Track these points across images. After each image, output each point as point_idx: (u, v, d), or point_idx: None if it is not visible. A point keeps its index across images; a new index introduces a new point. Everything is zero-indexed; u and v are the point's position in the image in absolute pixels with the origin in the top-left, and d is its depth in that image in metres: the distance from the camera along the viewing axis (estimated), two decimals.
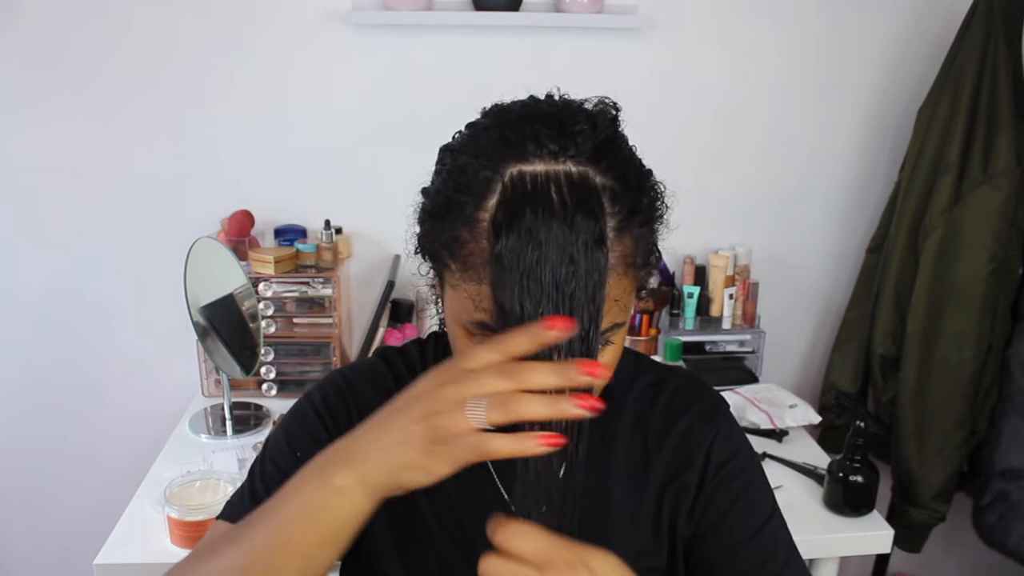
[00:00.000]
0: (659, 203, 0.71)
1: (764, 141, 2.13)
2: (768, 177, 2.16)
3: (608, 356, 0.71)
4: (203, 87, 1.96)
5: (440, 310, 0.79)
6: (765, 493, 0.85)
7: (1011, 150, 1.83)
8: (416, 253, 0.75)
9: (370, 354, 1.80)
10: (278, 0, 1.91)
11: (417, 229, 0.74)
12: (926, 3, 2.05)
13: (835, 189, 2.19)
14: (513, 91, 0.78)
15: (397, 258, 2.07)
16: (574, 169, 0.63)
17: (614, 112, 0.70)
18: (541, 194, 0.61)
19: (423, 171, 0.76)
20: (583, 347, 0.61)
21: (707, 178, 2.11)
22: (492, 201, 0.63)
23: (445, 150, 0.72)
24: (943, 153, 1.90)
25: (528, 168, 0.63)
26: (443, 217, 0.67)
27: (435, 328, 0.90)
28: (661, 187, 0.71)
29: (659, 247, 0.74)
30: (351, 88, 1.99)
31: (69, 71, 1.92)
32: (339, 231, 2.01)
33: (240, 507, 0.80)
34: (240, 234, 1.93)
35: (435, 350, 0.88)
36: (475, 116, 0.73)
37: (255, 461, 0.86)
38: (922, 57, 2.08)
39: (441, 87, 1.97)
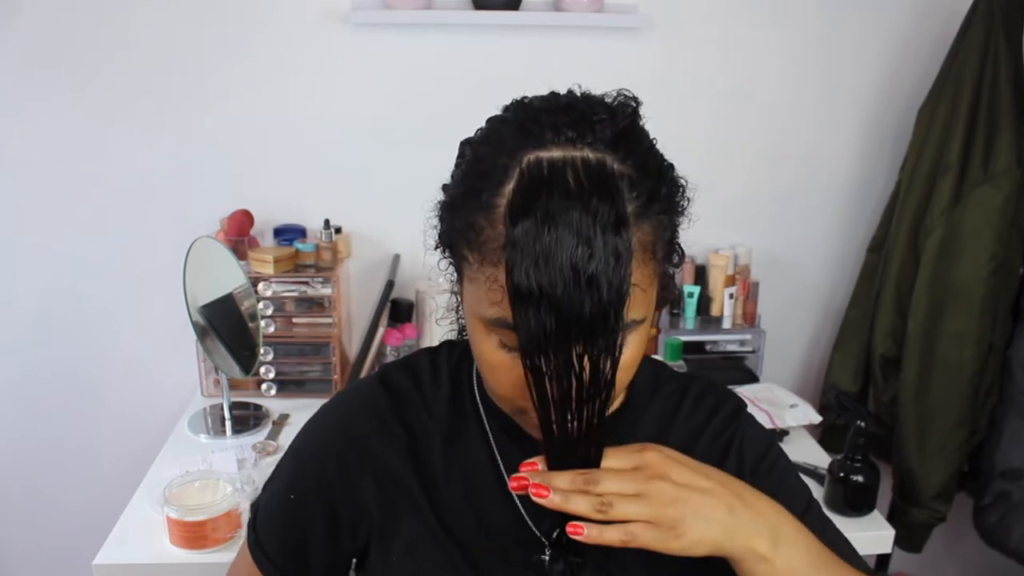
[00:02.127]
0: (680, 196, 0.72)
1: (764, 141, 2.13)
2: (768, 176, 2.15)
3: (626, 356, 0.68)
4: (202, 87, 1.95)
5: (460, 309, 0.78)
6: (800, 482, 0.85)
7: (1012, 150, 1.83)
8: (436, 248, 0.75)
9: (370, 354, 1.81)
10: (277, 0, 1.91)
11: (436, 224, 0.74)
12: (926, 3, 2.05)
13: (835, 189, 2.19)
14: (513, 91, 0.78)
15: (397, 257, 2.06)
16: (591, 156, 0.63)
17: (634, 105, 0.70)
18: (557, 178, 0.61)
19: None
20: (606, 333, 0.60)
21: (707, 178, 2.08)
22: (509, 187, 0.63)
23: (465, 143, 0.72)
24: (943, 153, 1.90)
25: (545, 154, 0.63)
26: (460, 206, 0.68)
27: (450, 336, 0.89)
28: (683, 181, 0.72)
29: (681, 247, 0.77)
30: (351, 88, 1.98)
31: (68, 71, 1.91)
32: (339, 231, 2.01)
33: (259, 525, 0.87)
34: (239, 234, 1.92)
35: (448, 359, 0.87)
36: (475, 116, 0.73)
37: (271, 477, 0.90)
38: (922, 57, 2.07)
39: (441, 87, 1.97)
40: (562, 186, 0.61)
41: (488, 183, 0.65)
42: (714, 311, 2.11)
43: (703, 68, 2.05)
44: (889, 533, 1.63)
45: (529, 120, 0.66)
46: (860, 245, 2.19)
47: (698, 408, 0.86)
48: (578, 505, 0.63)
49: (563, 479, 0.64)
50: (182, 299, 1.74)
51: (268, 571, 0.85)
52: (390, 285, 1.93)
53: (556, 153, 0.63)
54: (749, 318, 2.13)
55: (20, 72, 1.90)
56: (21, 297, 2.05)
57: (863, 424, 1.60)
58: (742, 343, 2.14)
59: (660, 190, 0.67)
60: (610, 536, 0.63)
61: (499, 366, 0.69)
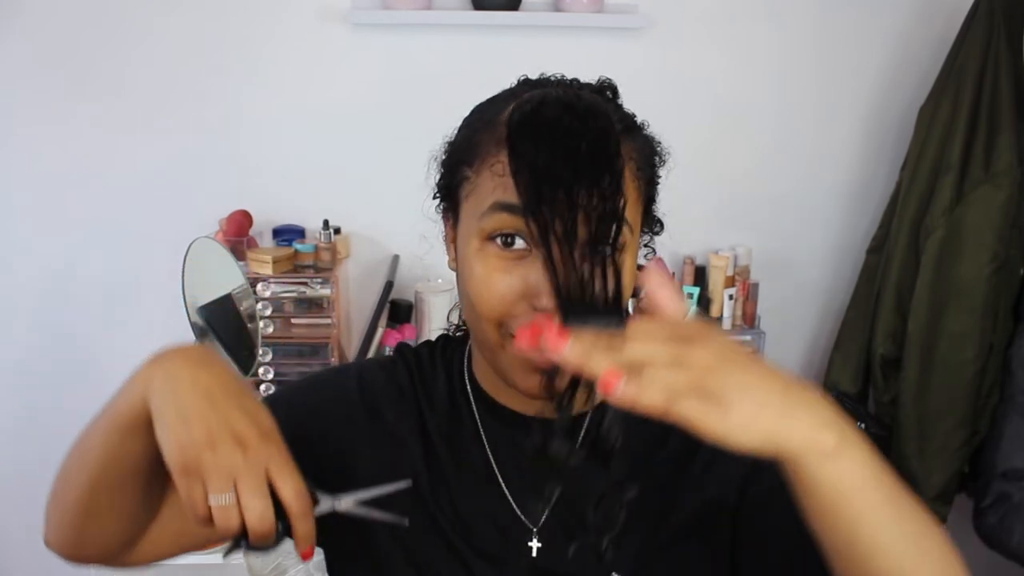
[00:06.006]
0: (659, 147, 0.76)
1: (764, 141, 2.12)
2: (768, 177, 2.15)
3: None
4: (202, 86, 1.95)
5: (453, 259, 0.78)
6: None
7: (1013, 149, 1.83)
8: (434, 198, 0.79)
9: (369, 355, 1.81)
10: (276, 0, 1.91)
11: (436, 174, 0.78)
12: (927, 3, 2.05)
13: (835, 189, 2.18)
14: None
15: (396, 258, 2.06)
16: (583, 93, 0.72)
17: (614, 86, 0.78)
18: (553, 95, 0.69)
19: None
20: (606, 203, 0.63)
21: (707, 178, 2.10)
22: (509, 108, 0.70)
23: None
24: (944, 152, 1.90)
25: (542, 90, 0.72)
26: (462, 138, 0.75)
27: (442, 331, 0.91)
28: (660, 147, 0.77)
29: (660, 220, 0.79)
30: (350, 87, 1.98)
31: (68, 73, 1.91)
32: (337, 231, 2.00)
33: None
34: (238, 234, 1.92)
35: (443, 351, 0.88)
36: None
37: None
38: (923, 56, 2.07)
39: (440, 87, 1.96)
40: (556, 95, 0.69)
41: (490, 112, 0.73)
42: (714, 312, 2.11)
43: (703, 68, 2.05)
44: None
45: (528, 80, 0.77)
46: (860, 245, 2.18)
47: None
48: (602, 364, 0.54)
49: (585, 335, 0.55)
50: (181, 299, 1.74)
51: None
52: (389, 286, 1.92)
53: (552, 90, 0.71)
54: (749, 319, 2.13)
55: (22, 72, 1.90)
56: (19, 297, 2.05)
57: (863, 425, 1.60)
58: (742, 344, 2.13)
59: (640, 128, 0.74)
60: (650, 397, 0.52)
61: (494, 273, 0.69)
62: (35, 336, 2.08)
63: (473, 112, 0.78)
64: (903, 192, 1.99)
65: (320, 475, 0.74)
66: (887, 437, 2.04)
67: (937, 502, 1.98)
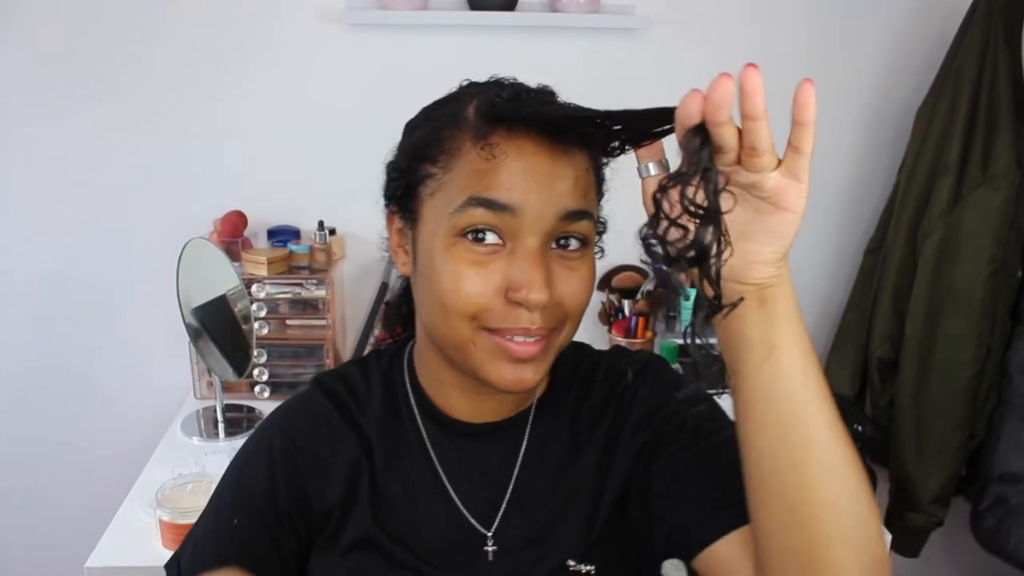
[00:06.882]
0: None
1: None
2: None
3: (579, 277, 0.71)
4: (196, 86, 1.94)
5: (413, 258, 0.78)
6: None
7: (1011, 151, 1.82)
8: (386, 200, 0.81)
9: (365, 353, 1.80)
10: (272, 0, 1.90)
11: (387, 180, 0.80)
12: (925, 3, 2.04)
13: (834, 190, 2.18)
14: None
15: (392, 259, 2.05)
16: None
17: (553, 91, 0.79)
18: (515, 84, 0.75)
19: None
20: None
21: None
22: (472, 104, 0.72)
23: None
24: (942, 154, 1.89)
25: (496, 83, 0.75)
26: (423, 137, 0.74)
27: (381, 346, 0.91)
28: None
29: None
30: (346, 88, 1.97)
31: (63, 71, 1.90)
32: (333, 232, 1.99)
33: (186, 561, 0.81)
34: (233, 235, 1.91)
35: (378, 365, 0.87)
36: None
37: (205, 510, 0.85)
38: (921, 57, 2.06)
39: (436, 87, 1.94)
40: (516, 85, 0.74)
41: (448, 111, 0.73)
42: None
43: (701, 69, 2.03)
44: (886, 538, 1.62)
45: (474, 82, 0.78)
46: (858, 247, 2.18)
47: (612, 372, 0.86)
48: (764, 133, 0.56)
49: None
50: (175, 301, 1.73)
51: None
52: (384, 287, 1.91)
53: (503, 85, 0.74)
54: None
55: (16, 72, 1.89)
56: (13, 299, 2.04)
57: (859, 428, 1.59)
58: None
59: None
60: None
61: (467, 269, 0.69)
62: (30, 337, 2.07)
63: (423, 115, 0.78)
64: (901, 194, 1.99)
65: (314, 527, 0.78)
66: (884, 440, 2.03)
67: (934, 505, 1.98)
